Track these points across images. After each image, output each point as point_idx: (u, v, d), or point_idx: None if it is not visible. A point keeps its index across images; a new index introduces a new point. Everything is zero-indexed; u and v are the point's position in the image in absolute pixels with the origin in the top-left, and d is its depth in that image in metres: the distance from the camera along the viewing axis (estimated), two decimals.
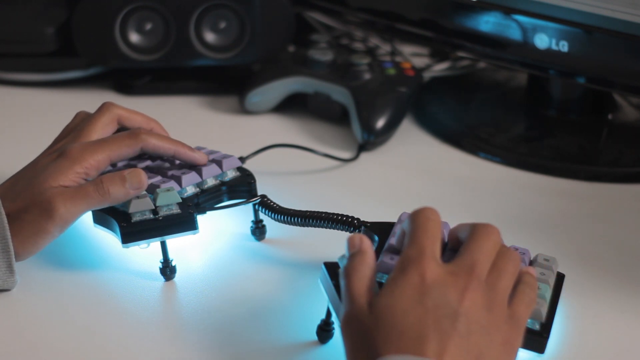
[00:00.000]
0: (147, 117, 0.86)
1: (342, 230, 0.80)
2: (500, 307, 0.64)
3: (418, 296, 0.62)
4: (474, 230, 0.67)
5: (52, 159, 0.79)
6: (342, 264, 0.71)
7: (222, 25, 1.11)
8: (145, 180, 0.79)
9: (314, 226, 0.81)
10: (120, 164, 0.86)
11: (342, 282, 0.66)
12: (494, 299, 0.64)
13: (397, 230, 0.75)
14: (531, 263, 0.75)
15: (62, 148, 0.80)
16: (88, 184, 0.78)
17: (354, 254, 0.67)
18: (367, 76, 1.06)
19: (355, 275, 0.65)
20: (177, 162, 0.85)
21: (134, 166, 0.85)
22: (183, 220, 0.79)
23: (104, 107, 0.84)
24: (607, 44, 0.96)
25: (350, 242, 0.67)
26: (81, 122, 0.83)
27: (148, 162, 0.86)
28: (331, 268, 0.72)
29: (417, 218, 0.67)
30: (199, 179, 0.83)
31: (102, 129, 0.83)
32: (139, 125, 0.85)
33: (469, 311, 0.62)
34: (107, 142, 0.81)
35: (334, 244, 0.79)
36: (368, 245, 0.67)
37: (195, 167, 0.83)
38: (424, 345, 0.60)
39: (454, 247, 0.71)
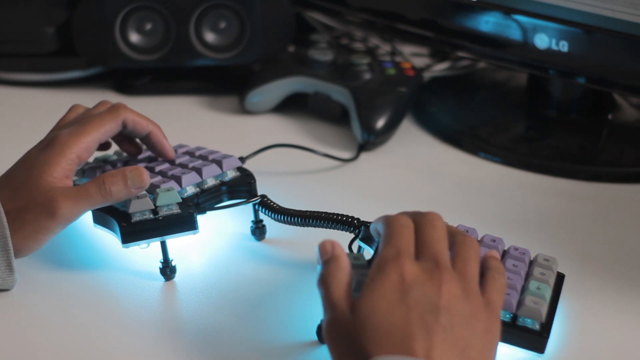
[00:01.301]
0: (148, 118, 0.86)
1: (342, 230, 0.80)
2: (475, 294, 0.65)
3: (399, 295, 0.63)
4: (418, 223, 0.68)
5: (40, 148, 0.79)
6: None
7: (222, 25, 1.11)
8: (148, 178, 0.79)
9: (314, 226, 0.81)
10: (120, 165, 0.86)
11: (320, 291, 0.66)
12: (467, 287, 0.65)
13: None
14: (531, 263, 0.76)
15: (49, 137, 0.80)
16: (90, 183, 0.78)
17: (327, 260, 0.67)
18: (367, 76, 1.06)
19: (333, 281, 0.65)
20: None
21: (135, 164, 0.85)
22: (183, 220, 0.79)
23: (100, 105, 0.85)
24: (607, 44, 0.96)
25: (322, 249, 0.67)
26: (77, 117, 0.83)
27: (148, 163, 0.86)
28: None
29: (392, 225, 0.68)
30: (199, 179, 0.83)
31: None
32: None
33: (449, 304, 0.63)
34: (92, 124, 0.80)
35: None
36: (341, 250, 0.67)
37: (195, 167, 0.83)
38: (411, 343, 0.61)
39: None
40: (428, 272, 0.64)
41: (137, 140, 0.87)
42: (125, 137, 0.86)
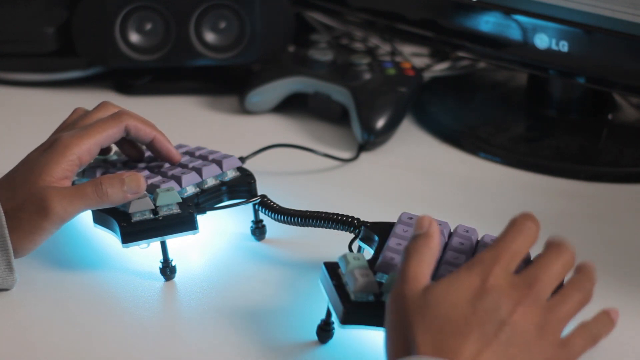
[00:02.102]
0: (151, 124, 0.86)
1: (342, 230, 0.80)
2: (553, 331, 0.63)
3: (472, 297, 0.62)
4: (548, 245, 0.66)
5: (43, 149, 0.79)
6: (342, 264, 0.71)
7: (222, 25, 1.11)
8: (144, 185, 0.79)
9: (314, 226, 0.81)
10: (119, 165, 0.86)
11: (401, 260, 0.66)
12: (548, 320, 0.63)
13: (397, 230, 0.75)
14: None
15: (51, 139, 0.80)
16: (87, 183, 0.78)
17: (419, 235, 0.66)
18: (367, 76, 1.06)
19: (416, 256, 0.65)
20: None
21: (134, 167, 0.85)
22: (183, 220, 0.79)
23: (101, 105, 0.84)
24: (607, 44, 0.96)
25: (419, 223, 0.67)
26: (78, 119, 0.84)
27: (148, 162, 0.86)
28: (331, 268, 0.72)
29: (514, 226, 0.66)
30: (199, 179, 0.83)
31: None
32: None
33: (517, 324, 0.62)
34: (94, 128, 0.80)
35: (334, 244, 0.80)
36: (435, 230, 0.67)
37: (195, 167, 0.83)
38: (461, 342, 0.60)
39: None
40: (513, 288, 0.63)
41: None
42: (127, 141, 0.86)
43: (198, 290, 0.79)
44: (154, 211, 0.79)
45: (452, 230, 0.77)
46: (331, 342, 0.73)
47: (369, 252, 0.77)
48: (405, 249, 0.66)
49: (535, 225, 0.66)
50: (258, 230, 0.86)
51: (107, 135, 0.81)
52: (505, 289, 0.63)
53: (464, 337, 0.61)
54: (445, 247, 0.74)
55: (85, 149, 0.79)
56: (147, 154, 0.87)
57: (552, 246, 0.66)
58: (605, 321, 0.67)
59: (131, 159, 0.87)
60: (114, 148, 0.89)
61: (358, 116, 1.03)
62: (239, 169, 0.86)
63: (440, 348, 0.60)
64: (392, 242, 0.74)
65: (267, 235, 0.86)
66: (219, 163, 0.85)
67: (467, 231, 0.76)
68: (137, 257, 0.82)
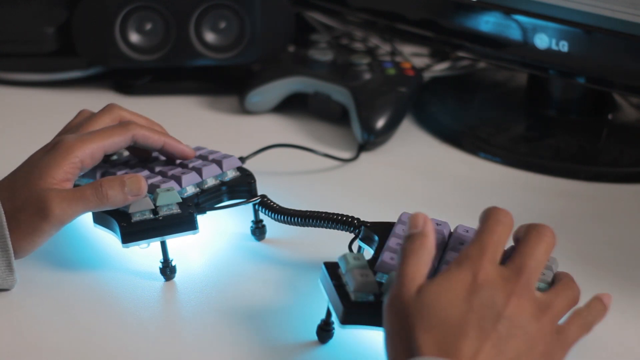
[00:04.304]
0: (150, 120, 0.86)
1: (342, 230, 0.80)
2: (549, 320, 0.64)
3: (466, 293, 0.63)
4: (527, 232, 0.68)
5: (46, 150, 0.79)
6: (342, 264, 0.71)
7: (222, 25, 1.11)
8: (145, 187, 0.78)
9: (314, 226, 0.81)
10: (120, 165, 0.86)
11: (398, 261, 0.66)
12: (544, 311, 0.64)
13: (397, 230, 0.75)
14: None
15: (54, 140, 0.80)
16: (87, 186, 0.77)
17: (415, 234, 0.66)
18: (367, 76, 1.06)
19: (414, 258, 0.65)
20: (177, 162, 0.85)
21: (135, 167, 0.85)
22: (183, 220, 0.79)
23: (107, 108, 0.84)
24: (607, 44, 0.96)
25: (413, 221, 0.67)
26: (83, 120, 0.83)
27: (147, 162, 0.86)
28: (331, 268, 0.72)
29: (488, 219, 0.67)
30: (199, 179, 0.83)
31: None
32: None
33: (514, 316, 0.63)
34: (100, 133, 0.80)
35: (334, 244, 0.80)
36: (431, 229, 0.67)
37: (195, 167, 0.83)
38: (461, 339, 0.61)
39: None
40: (504, 279, 0.64)
41: None
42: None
43: (198, 290, 0.79)
44: (154, 211, 0.79)
45: (452, 230, 0.77)
46: (331, 342, 0.73)
47: (369, 252, 0.77)
48: (401, 249, 0.66)
49: (509, 214, 0.68)
50: (258, 230, 0.86)
51: (113, 142, 0.80)
52: (496, 282, 0.63)
53: (464, 334, 0.61)
54: (446, 247, 0.74)
55: (88, 152, 0.79)
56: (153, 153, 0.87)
57: (532, 230, 0.68)
58: (598, 307, 0.69)
59: (140, 159, 0.86)
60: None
61: (358, 116, 1.03)
62: (239, 169, 0.86)
63: (442, 347, 0.61)
64: (392, 242, 0.74)
65: (267, 235, 0.86)
66: (219, 163, 0.85)
67: (467, 231, 0.76)
68: (137, 257, 0.82)
